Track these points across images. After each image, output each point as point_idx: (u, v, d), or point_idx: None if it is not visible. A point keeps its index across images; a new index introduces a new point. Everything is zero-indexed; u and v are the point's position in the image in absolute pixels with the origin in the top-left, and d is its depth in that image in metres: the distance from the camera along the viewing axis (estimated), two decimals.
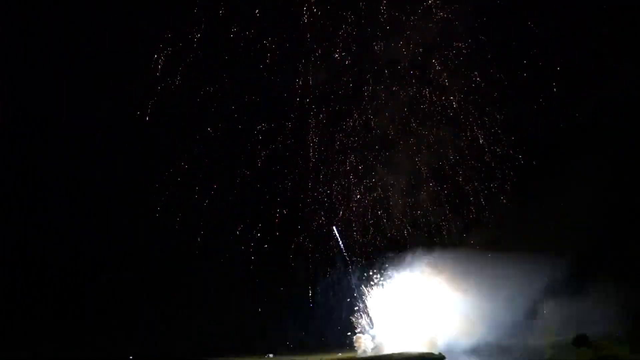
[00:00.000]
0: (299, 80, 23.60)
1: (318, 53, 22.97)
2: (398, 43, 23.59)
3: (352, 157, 24.51)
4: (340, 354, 24.62)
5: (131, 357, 24.72)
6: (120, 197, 25.23)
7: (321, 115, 23.93)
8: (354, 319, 24.57)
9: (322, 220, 24.66)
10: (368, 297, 24.50)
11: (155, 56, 23.50)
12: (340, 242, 24.44)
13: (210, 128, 24.47)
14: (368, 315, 24.46)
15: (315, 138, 24.30)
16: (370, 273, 24.53)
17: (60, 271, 25.54)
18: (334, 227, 24.47)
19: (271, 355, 25.04)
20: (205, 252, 24.68)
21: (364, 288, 24.50)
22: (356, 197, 24.43)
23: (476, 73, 23.48)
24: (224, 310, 25.04)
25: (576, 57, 22.99)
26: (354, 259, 24.57)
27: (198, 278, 25.12)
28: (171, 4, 23.95)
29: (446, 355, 22.83)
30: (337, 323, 24.80)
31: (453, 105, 23.94)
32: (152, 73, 23.98)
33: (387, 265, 24.42)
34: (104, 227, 25.34)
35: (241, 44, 23.46)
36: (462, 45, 23.48)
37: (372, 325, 24.33)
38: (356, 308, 24.54)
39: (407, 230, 24.67)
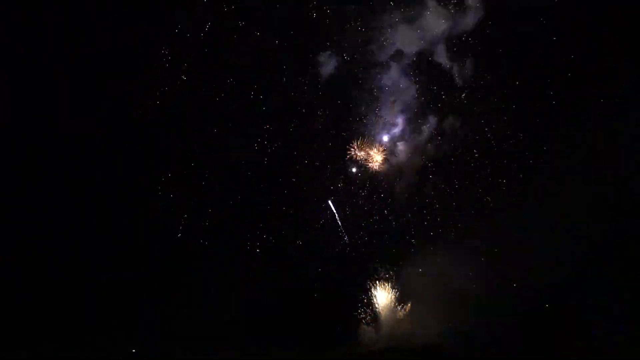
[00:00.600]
0: (305, 80, 23.94)
1: (326, 48, 23.39)
2: (406, 37, 23.91)
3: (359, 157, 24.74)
4: (343, 348, 24.72)
5: (134, 351, 24.55)
6: (121, 197, 25.08)
7: (328, 112, 24.32)
8: (358, 313, 24.87)
9: (328, 219, 24.89)
10: (373, 291, 24.90)
11: (163, 51, 23.70)
12: (337, 216, 24.53)
13: (214, 127, 24.64)
14: (372, 308, 24.83)
15: (319, 137, 24.58)
16: (375, 267, 24.96)
17: (60, 271, 25.18)
18: (330, 201, 24.46)
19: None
20: (207, 251, 24.88)
21: (369, 282, 24.90)
22: (363, 194, 24.74)
23: (484, 68, 23.96)
24: (225, 309, 24.89)
25: (585, 54, 23.65)
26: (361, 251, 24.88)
27: (198, 278, 24.97)
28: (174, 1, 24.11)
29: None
30: (341, 317, 24.96)
31: (462, 99, 24.36)
32: (155, 72, 24.16)
33: (392, 258, 24.90)
34: (105, 227, 25.09)
35: (246, 42, 23.66)
36: (470, 40, 23.90)
37: (377, 318, 24.71)
38: (360, 302, 24.92)
39: (412, 225, 25.02)
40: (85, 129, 24.86)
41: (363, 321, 24.81)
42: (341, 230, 24.39)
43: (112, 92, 24.58)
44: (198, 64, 24.23)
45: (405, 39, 23.96)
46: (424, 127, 24.52)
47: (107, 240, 25.09)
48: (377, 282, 24.94)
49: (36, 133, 25.08)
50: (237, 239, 25.01)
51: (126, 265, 25.18)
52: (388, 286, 24.90)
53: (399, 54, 24.19)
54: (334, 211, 24.49)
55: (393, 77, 24.20)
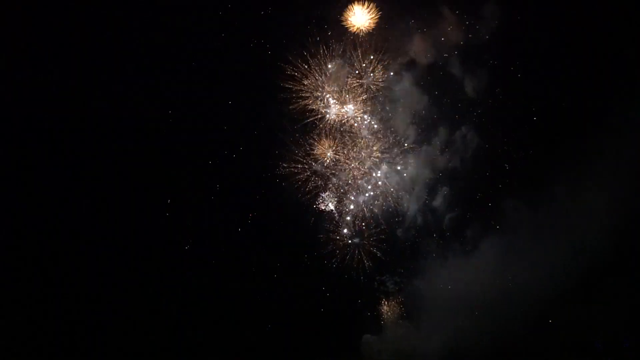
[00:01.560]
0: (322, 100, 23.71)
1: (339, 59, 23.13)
2: (419, 46, 23.73)
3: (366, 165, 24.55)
4: (347, 357, 24.75)
5: None
6: (125, 199, 24.93)
7: (342, 127, 24.13)
8: (362, 324, 24.84)
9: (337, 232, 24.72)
10: (378, 300, 24.95)
11: (174, 66, 23.74)
12: (334, 210, 24.44)
13: (228, 144, 24.65)
14: (378, 321, 24.85)
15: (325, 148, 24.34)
16: (381, 279, 24.95)
17: (61, 278, 24.87)
18: (324, 195, 24.37)
19: None
20: (212, 264, 25.02)
21: (377, 295, 24.97)
22: (369, 208, 24.56)
23: (498, 81, 23.80)
24: (227, 317, 25.03)
25: (601, 68, 23.52)
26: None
27: (201, 290, 24.98)
28: (188, 11, 23.91)
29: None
30: (345, 326, 24.92)
31: (474, 112, 24.26)
32: (167, 78, 24.12)
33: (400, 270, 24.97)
34: (109, 228, 24.91)
35: (257, 56, 23.70)
36: (485, 56, 23.78)
37: (382, 331, 24.70)
38: (366, 314, 24.93)
39: (419, 237, 24.99)
40: (95, 132, 24.69)
41: (367, 332, 24.75)
42: (328, 204, 24.22)
43: (124, 96, 24.45)
44: (212, 76, 24.28)
45: (418, 49, 23.74)
46: (435, 139, 24.43)
47: (111, 251, 24.90)
48: (384, 295, 25.01)
49: (48, 134, 24.79)
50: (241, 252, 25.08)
51: (127, 266, 24.90)
52: (394, 300, 24.92)
53: (411, 63, 24.01)
54: (331, 204, 24.25)
55: (405, 88, 24.02)
